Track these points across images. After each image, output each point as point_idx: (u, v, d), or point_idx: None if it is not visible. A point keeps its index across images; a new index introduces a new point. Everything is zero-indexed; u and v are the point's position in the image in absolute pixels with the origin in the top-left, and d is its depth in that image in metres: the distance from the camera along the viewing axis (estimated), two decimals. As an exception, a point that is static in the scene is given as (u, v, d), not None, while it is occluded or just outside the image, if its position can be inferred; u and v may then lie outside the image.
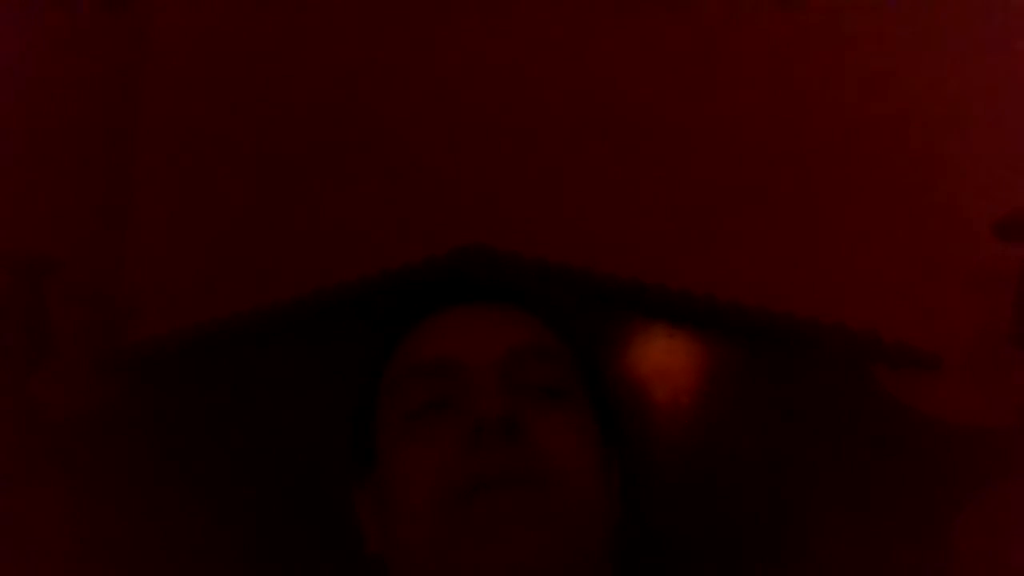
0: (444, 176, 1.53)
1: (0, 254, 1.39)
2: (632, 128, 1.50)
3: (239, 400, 1.39)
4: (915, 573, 1.17)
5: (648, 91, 1.51)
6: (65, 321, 1.46)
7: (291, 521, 1.30)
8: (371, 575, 0.91)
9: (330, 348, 1.36)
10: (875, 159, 1.41)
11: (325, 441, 1.11)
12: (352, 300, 1.38)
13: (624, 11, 1.53)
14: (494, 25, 1.57)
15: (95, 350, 1.53)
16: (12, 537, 1.30)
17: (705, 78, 1.50)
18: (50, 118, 1.53)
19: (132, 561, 1.30)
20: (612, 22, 1.54)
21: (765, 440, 1.26)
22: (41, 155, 1.51)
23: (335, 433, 0.99)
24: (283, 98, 1.63)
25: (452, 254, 1.32)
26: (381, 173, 1.57)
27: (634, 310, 1.32)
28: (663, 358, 1.31)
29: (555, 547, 0.75)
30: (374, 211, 1.55)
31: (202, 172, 1.66)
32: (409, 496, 0.80)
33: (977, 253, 1.31)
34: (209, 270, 1.59)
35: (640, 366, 1.31)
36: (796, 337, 1.29)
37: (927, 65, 1.40)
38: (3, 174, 1.43)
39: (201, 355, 1.44)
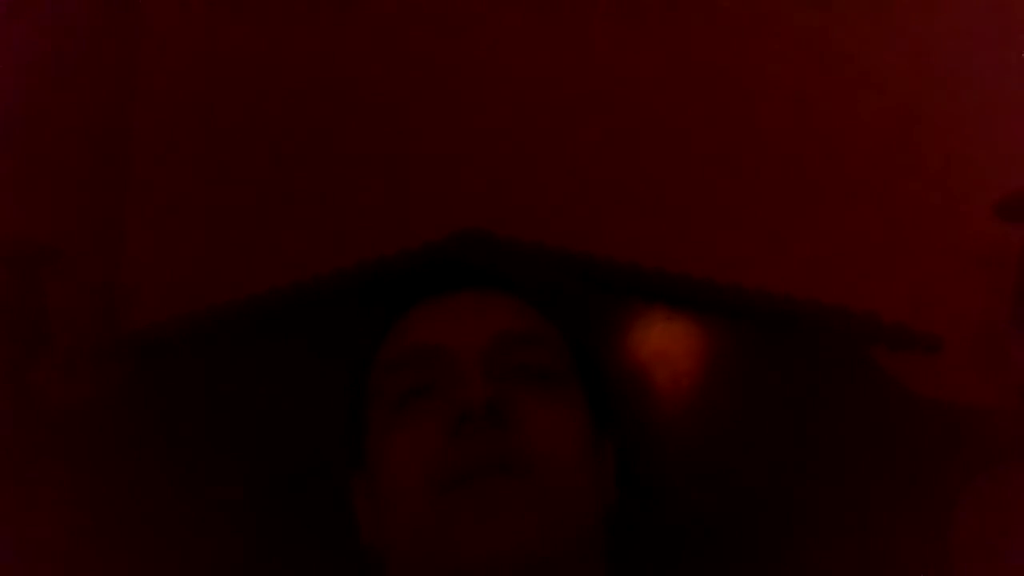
0: (442, 161, 1.52)
1: (-2, 243, 1.39)
2: (632, 111, 1.49)
3: (238, 388, 1.39)
4: (916, 555, 1.17)
5: (647, 74, 1.50)
6: (64, 310, 1.46)
7: (290, 510, 1.30)
8: (367, 566, 0.91)
9: (329, 334, 1.35)
10: (875, 140, 1.40)
11: (324, 429, 1.11)
12: (349, 286, 1.37)
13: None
14: (490, 9, 1.56)
15: (94, 339, 1.53)
16: (12, 528, 1.31)
17: (705, 63, 1.49)
18: (48, 107, 1.52)
19: (131, 548, 1.31)
20: (611, 11, 1.53)
21: (765, 422, 1.26)
22: (39, 144, 1.50)
23: (334, 421, 0.99)
24: (280, 85, 1.63)
25: (449, 239, 1.32)
26: (380, 160, 1.56)
27: (633, 294, 1.32)
28: (662, 342, 1.31)
29: (541, 533, 0.75)
30: (372, 197, 1.54)
31: (200, 160, 1.65)
32: (396, 486, 0.80)
33: (978, 234, 1.30)
34: (207, 257, 1.58)
35: (639, 350, 1.30)
36: (796, 319, 1.28)
37: (926, 47, 1.39)
38: (1, 164, 1.43)
39: (200, 343, 1.44)
